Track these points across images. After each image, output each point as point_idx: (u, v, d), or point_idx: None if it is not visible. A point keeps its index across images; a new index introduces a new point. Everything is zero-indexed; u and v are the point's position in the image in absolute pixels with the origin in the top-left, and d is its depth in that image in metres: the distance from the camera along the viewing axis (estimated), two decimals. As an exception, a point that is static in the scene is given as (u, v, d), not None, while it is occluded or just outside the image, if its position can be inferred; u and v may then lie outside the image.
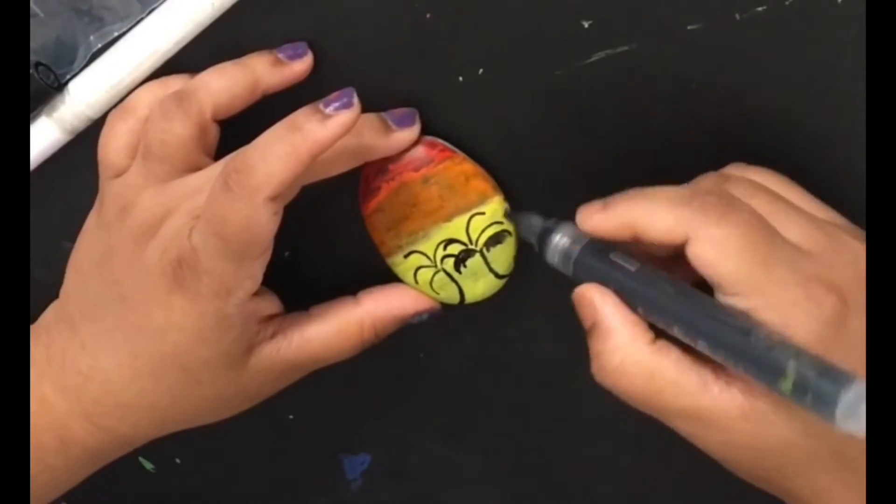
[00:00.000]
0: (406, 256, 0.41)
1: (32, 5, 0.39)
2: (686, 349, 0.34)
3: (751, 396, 0.33)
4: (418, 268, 0.41)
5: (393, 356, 0.44)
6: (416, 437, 0.48)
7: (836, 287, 0.33)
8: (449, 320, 0.42)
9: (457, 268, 0.41)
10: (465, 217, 0.40)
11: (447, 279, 0.41)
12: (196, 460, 0.50)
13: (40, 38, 0.40)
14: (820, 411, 0.29)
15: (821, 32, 0.37)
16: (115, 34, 0.40)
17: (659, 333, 0.34)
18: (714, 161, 0.38)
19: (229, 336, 0.38)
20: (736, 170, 0.37)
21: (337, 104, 0.35)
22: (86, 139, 0.41)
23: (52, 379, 0.39)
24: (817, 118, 0.39)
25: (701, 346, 0.33)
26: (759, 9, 0.37)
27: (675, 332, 0.33)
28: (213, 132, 0.39)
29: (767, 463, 0.34)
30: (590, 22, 0.38)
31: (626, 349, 0.34)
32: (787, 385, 0.30)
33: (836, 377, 0.29)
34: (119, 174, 0.39)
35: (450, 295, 0.41)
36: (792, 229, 0.34)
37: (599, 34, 0.38)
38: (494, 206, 0.40)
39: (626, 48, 0.38)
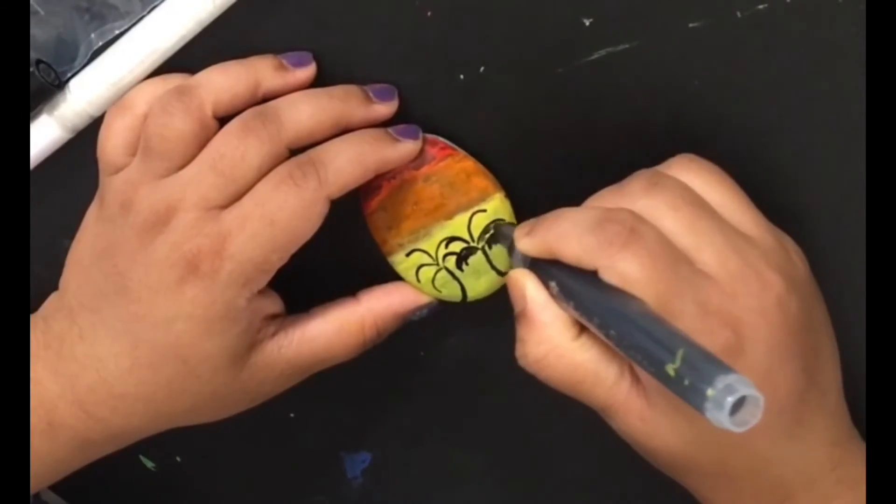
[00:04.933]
0: (408, 255, 0.41)
1: (33, 3, 0.39)
2: (607, 346, 0.35)
3: (648, 402, 0.35)
4: (420, 266, 0.41)
5: (394, 354, 0.44)
6: (417, 436, 0.48)
7: (733, 320, 0.33)
8: (450, 318, 0.42)
9: (459, 265, 0.41)
10: (467, 215, 0.40)
11: (449, 277, 0.41)
12: (197, 459, 0.50)
13: (41, 35, 0.40)
14: (692, 400, 0.28)
15: (821, 31, 0.37)
16: (117, 32, 0.40)
17: (583, 329, 0.36)
18: (714, 159, 0.38)
19: (235, 329, 0.38)
20: (678, 165, 0.37)
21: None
22: (87, 137, 0.41)
23: (47, 363, 0.39)
24: (817, 117, 0.39)
25: (612, 340, 0.32)
26: (761, 7, 0.37)
27: (596, 328, 0.33)
28: (213, 129, 0.39)
29: (659, 460, 0.37)
30: (591, 20, 0.38)
31: (551, 341, 0.36)
32: (671, 371, 0.29)
33: (714, 368, 0.28)
34: (118, 171, 0.39)
35: (452, 293, 0.41)
36: (706, 250, 0.34)
37: (600, 32, 0.38)
38: (496, 204, 0.40)
39: (627, 46, 0.38)
